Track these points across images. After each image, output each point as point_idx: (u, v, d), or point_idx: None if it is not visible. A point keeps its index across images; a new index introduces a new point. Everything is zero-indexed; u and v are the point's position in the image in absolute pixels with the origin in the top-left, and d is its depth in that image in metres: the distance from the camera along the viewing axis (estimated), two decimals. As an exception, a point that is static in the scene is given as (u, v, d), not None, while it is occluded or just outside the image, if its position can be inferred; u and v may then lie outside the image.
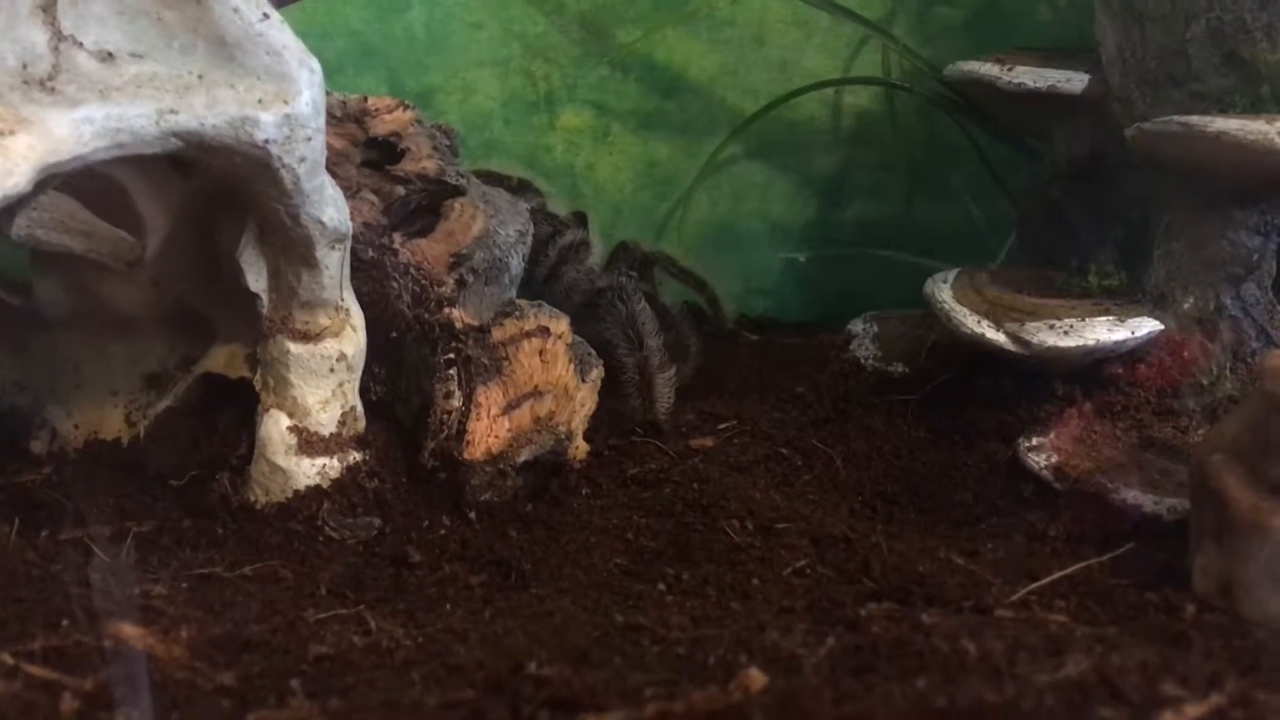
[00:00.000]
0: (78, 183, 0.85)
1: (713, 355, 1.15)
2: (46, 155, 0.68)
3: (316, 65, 0.77)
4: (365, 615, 0.70)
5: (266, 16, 0.75)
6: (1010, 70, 1.00)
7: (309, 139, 0.77)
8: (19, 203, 0.75)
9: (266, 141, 0.75)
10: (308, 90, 0.76)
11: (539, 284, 1.04)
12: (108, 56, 0.73)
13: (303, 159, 0.77)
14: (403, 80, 1.26)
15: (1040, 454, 0.87)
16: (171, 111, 0.72)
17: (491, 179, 1.07)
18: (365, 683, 0.61)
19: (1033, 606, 0.67)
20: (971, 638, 0.59)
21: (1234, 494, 0.66)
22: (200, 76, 0.74)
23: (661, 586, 0.73)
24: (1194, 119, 0.84)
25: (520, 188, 1.10)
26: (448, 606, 0.72)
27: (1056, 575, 0.71)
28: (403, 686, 0.60)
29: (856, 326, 1.13)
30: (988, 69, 1.01)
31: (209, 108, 0.74)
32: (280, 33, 0.76)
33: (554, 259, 1.04)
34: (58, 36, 0.72)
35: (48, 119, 0.69)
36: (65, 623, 0.65)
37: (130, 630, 0.65)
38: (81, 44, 0.72)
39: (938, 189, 1.29)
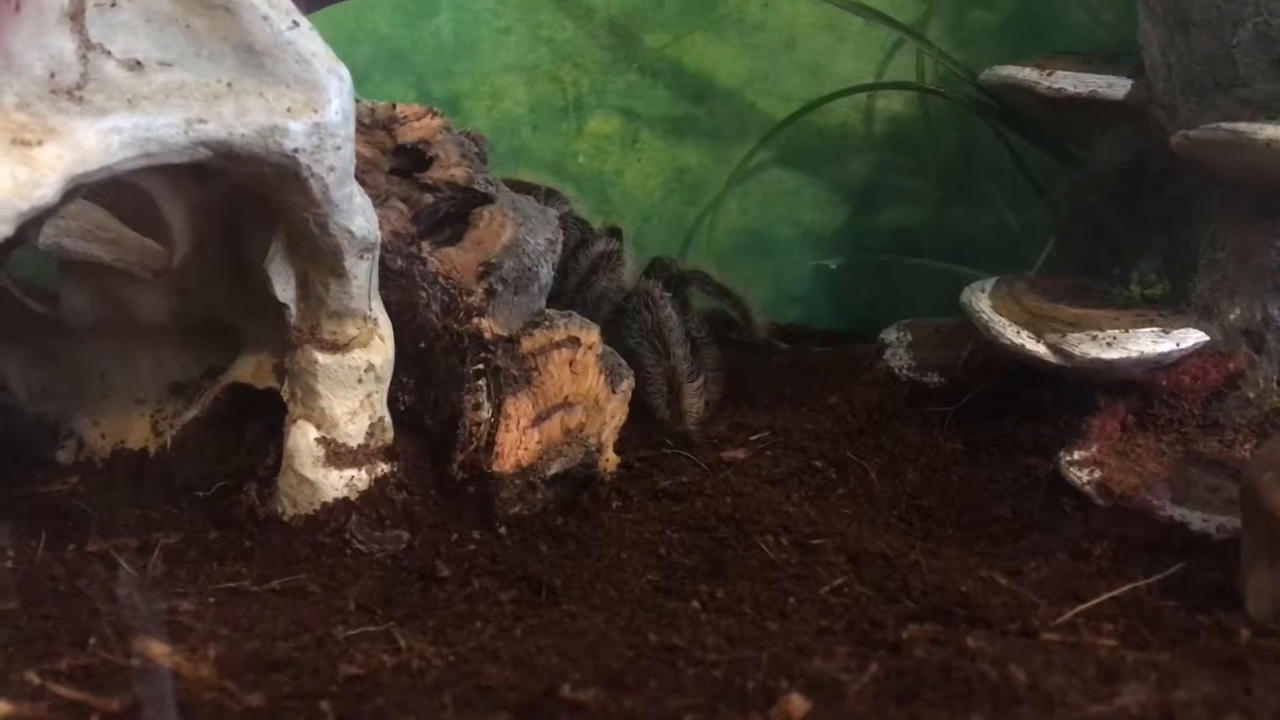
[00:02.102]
0: (105, 191, 0.84)
1: (744, 365, 1.14)
2: (74, 166, 0.67)
3: (346, 73, 0.76)
4: (395, 633, 0.68)
5: (296, 24, 0.74)
6: (1050, 75, 0.98)
7: (338, 148, 0.76)
8: (46, 212, 0.74)
9: (295, 150, 0.74)
10: (337, 99, 0.75)
11: (570, 293, 1.03)
12: (136, 65, 0.72)
13: (332, 168, 0.76)
14: (430, 86, 1.26)
15: (1083, 469, 0.86)
16: (200, 121, 0.72)
17: (519, 188, 1.07)
18: (396, 705, 0.59)
19: (1080, 630, 0.65)
20: (1020, 663, 0.57)
21: (1289, 514, 0.64)
22: (229, 85, 0.74)
23: (696, 604, 0.72)
24: (1243, 126, 0.82)
25: (548, 196, 1.09)
26: (478, 624, 0.71)
27: (1104, 597, 0.69)
28: (434, 709, 0.59)
29: (890, 335, 1.11)
30: (1026, 74, 0.99)
31: (238, 117, 0.73)
32: (309, 40, 0.75)
33: (585, 268, 1.03)
34: (86, 45, 0.71)
35: (75, 129, 0.68)
36: (92, 640, 0.65)
37: (158, 648, 0.64)
38: (110, 52, 0.72)
39: (972, 195, 1.28)
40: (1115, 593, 0.70)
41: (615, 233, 1.09)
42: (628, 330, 0.99)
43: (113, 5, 0.72)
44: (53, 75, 0.70)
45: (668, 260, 1.12)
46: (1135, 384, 0.90)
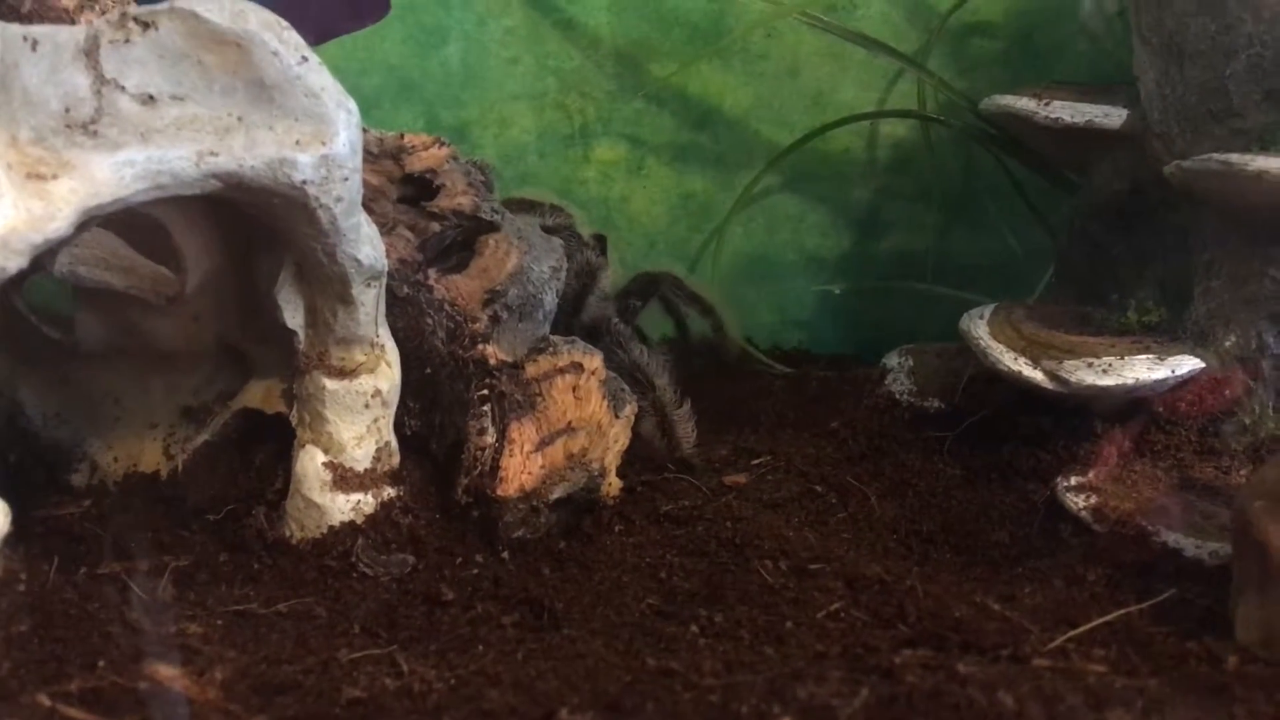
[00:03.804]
0: (119, 219, 0.86)
1: (747, 390, 1.14)
2: (88, 199, 0.69)
3: (354, 106, 0.78)
4: (397, 656, 0.69)
5: (305, 59, 0.76)
6: (1047, 105, 0.99)
7: (345, 179, 0.77)
8: (61, 242, 0.76)
9: (304, 182, 0.75)
10: (345, 131, 0.76)
11: (569, 306, 1.04)
12: (149, 99, 0.74)
13: (339, 199, 0.77)
14: (439, 114, 1.27)
15: (1079, 494, 0.86)
16: (211, 153, 0.73)
17: (523, 206, 1.08)
18: (397, 728, 0.60)
19: (1071, 655, 0.65)
20: (1009, 689, 0.58)
21: (1276, 542, 0.65)
22: (240, 118, 0.75)
23: (694, 629, 0.73)
24: (1234, 157, 0.83)
25: (552, 211, 1.10)
26: (480, 647, 0.71)
27: (1096, 622, 0.70)
28: (435, 732, 0.59)
29: (892, 360, 1.12)
30: (1024, 104, 1.01)
31: (248, 149, 0.74)
32: (318, 75, 0.76)
33: (578, 287, 1.04)
34: (100, 80, 0.72)
35: (90, 162, 0.69)
36: (102, 663, 0.66)
37: (166, 671, 0.65)
38: (124, 87, 0.73)
39: (974, 221, 1.29)
40: (1107, 618, 0.70)
41: (600, 240, 1.10)
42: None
43: (126, 42, 0.73)
44: (67, 110, 0.71)
45: (655, 273, 1.13)
46: (1132, 410, 0.91)
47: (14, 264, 0.66)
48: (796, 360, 1.27)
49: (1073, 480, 0.88)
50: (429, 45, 1.26)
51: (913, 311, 1.27)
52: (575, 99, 1.29)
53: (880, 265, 1.32)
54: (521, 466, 0.86)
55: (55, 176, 0.68)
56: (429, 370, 0.90)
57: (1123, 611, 0.72)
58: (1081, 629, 0.69)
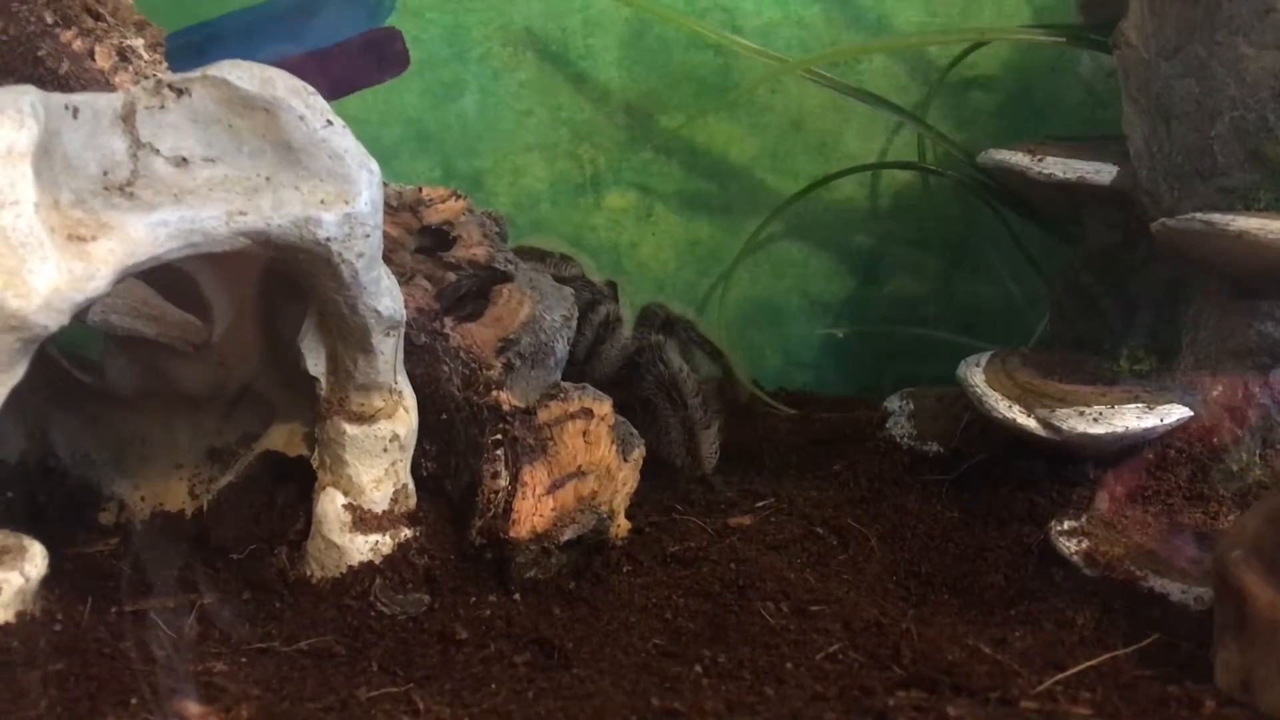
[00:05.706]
0: (150, 270, 0.89)
1: (752, 433, 1.17)
2: (125, 258, 0.72)
3: (375, 167, 0.81)
4: (414, 694, 0.71)
5: (330, 123, 0.79)
6: (1040, 161, 1.02)
7: (367, 235, 0.80)
8: (97, 296, 0.79)
9: (328, 239, 0.78)
10: (367, 190, 0.80)
11: (580, 363, 1.07)
12: (182, 161, 0.77)
13: (361, 254, 0.80)
14: (455, 164, 1.30)
15: (1071, 539, 0.89)
16: (241, 213, 0.76)
17: (533, 254, 1.10)
18: (414, 765, 0.63)
19: (1058, 698, 0.68)
20: (995, 732, 0.61)
21: (1253, 591, 0.67)
22: (268, 179, 0.78)
23: (698, 668, 0.75)
24: (1216, 217, 0.86)
25: (562, 261, 1.12)
26: (493, 686, 0.74)
27: (1083, 666, 0.72)
28: (450, 770, 0.62)
29: (893, 404, 1.15)
30: (1018, 159, 1.03)
31: (275, 209, 0.77)
32: (342, 138, 0.79)
33: (591, 339, 1.07)
34: (136, 144, 0.76)
35: (126, 223, 0.73)
36: (134, 700, 0.68)
37: (195, 708, 0.68)
38: (158, 151, 0.76)
39: (974, 268, 1.31)
40: (1093, 662, 0.73)
41: (612, 287, 1.12)
42: (642, 381, 1.03)
43: (161, 108, 0.76)
44: (106, 173, 0.75)
45: (655, 308, 1.15)
46: (1124, 456, 0.94)
47: (56, 322, 0.69)
48: (801, 402, 1.29)
49: (1066, 524, 0.90)
50: (446, 98, 1.29)
51: (914, 355, 1.29)
52: (587, 149, 1.32)
53: (883, 310, 1.34)
54: (533, 509, 0.88)
55: (94, 238, 0.71)
56: (445, 415, 0.92)
57: (1109, 655, 0.74)
58: (1069, 672, 0.71)
